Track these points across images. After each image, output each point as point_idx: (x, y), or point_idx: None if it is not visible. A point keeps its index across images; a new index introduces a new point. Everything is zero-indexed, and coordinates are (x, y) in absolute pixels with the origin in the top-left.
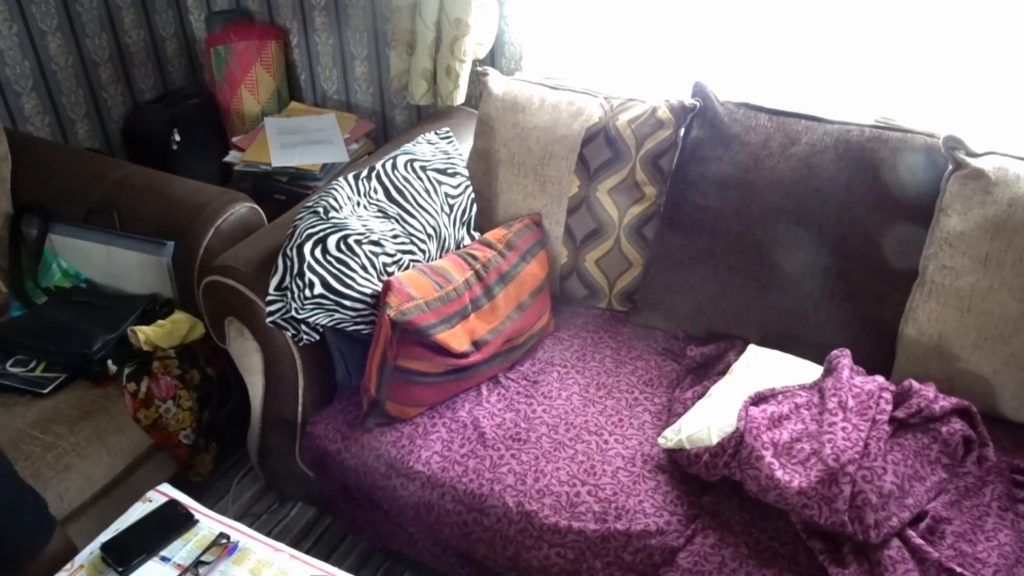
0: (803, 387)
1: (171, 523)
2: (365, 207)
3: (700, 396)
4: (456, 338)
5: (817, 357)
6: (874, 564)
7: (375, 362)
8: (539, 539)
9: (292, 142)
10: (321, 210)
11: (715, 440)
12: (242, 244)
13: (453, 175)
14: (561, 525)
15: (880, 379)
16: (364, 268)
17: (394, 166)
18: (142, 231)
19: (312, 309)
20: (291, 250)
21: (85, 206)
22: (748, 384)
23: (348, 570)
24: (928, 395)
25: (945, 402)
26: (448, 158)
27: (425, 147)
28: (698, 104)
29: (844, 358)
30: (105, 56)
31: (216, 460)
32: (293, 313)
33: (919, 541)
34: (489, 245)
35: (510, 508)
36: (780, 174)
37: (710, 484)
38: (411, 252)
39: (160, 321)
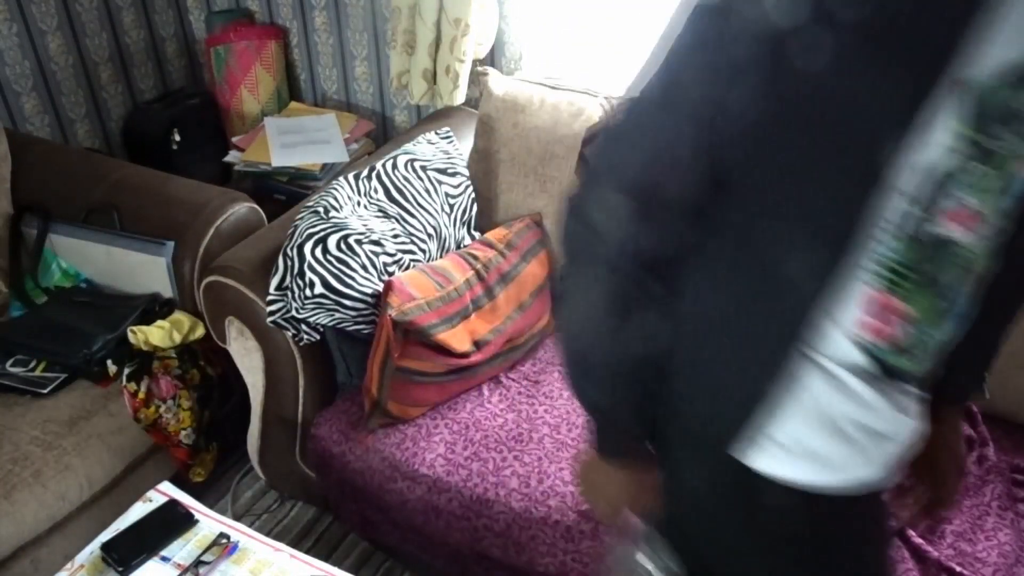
0: None
1: (171, 523)
2: (365, 207)
3: None
4: (457, 338)
5: None
6: None
7: (376, 362)
8: (552, 545)
9: (292, 142)
10: (321, 210)
11: None
12: (242, 244)
13: (453, 175)
14: (567, 525)
15: None
16: (364, 268)
17: (394, 166)
18: (142, 231)
19: (312, 309)
20: (291, 250)
21: (85, 206)
22: None
23: (348, 570)
24: None
25: None
26: (448, 158)
27: (425, 147)
28: None
29: None
30: (105, 56)
31: (216, 460)
32: (293, 313)
33: (919, 540)
34: (490, 245)
35: (517, 512)
36: None
37: None
38: (411, 252)
39: (160, 321)
